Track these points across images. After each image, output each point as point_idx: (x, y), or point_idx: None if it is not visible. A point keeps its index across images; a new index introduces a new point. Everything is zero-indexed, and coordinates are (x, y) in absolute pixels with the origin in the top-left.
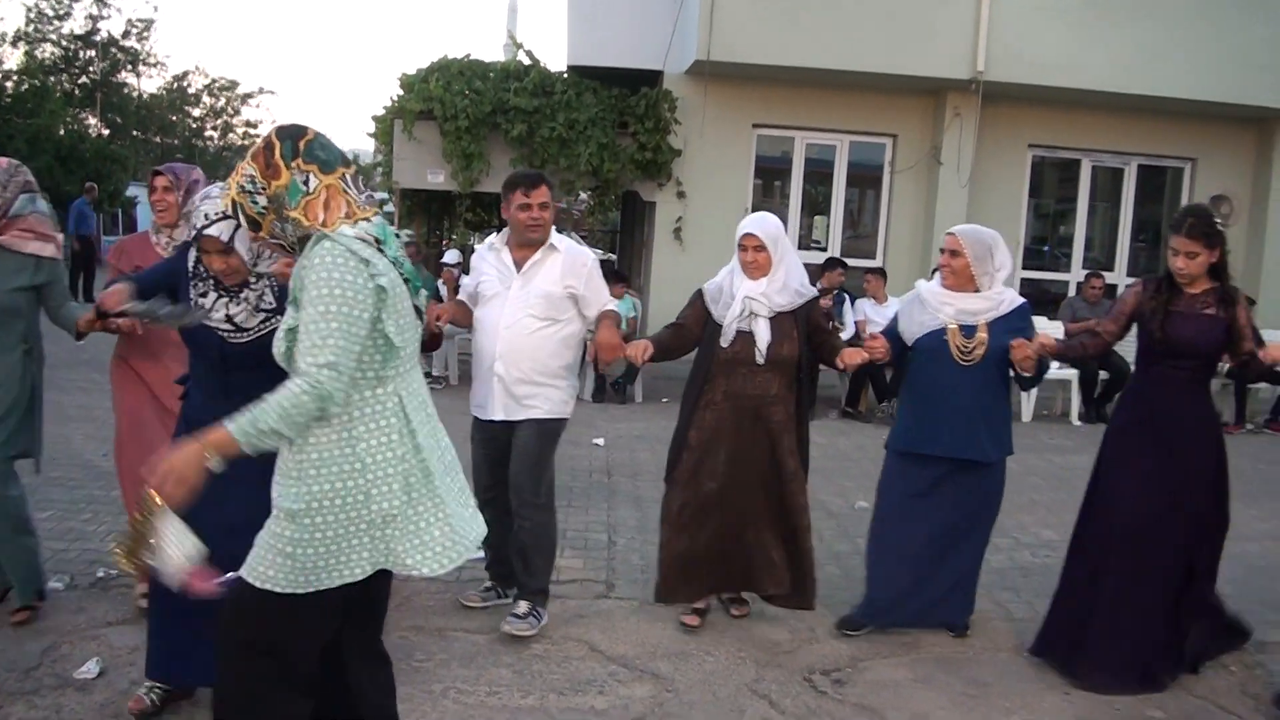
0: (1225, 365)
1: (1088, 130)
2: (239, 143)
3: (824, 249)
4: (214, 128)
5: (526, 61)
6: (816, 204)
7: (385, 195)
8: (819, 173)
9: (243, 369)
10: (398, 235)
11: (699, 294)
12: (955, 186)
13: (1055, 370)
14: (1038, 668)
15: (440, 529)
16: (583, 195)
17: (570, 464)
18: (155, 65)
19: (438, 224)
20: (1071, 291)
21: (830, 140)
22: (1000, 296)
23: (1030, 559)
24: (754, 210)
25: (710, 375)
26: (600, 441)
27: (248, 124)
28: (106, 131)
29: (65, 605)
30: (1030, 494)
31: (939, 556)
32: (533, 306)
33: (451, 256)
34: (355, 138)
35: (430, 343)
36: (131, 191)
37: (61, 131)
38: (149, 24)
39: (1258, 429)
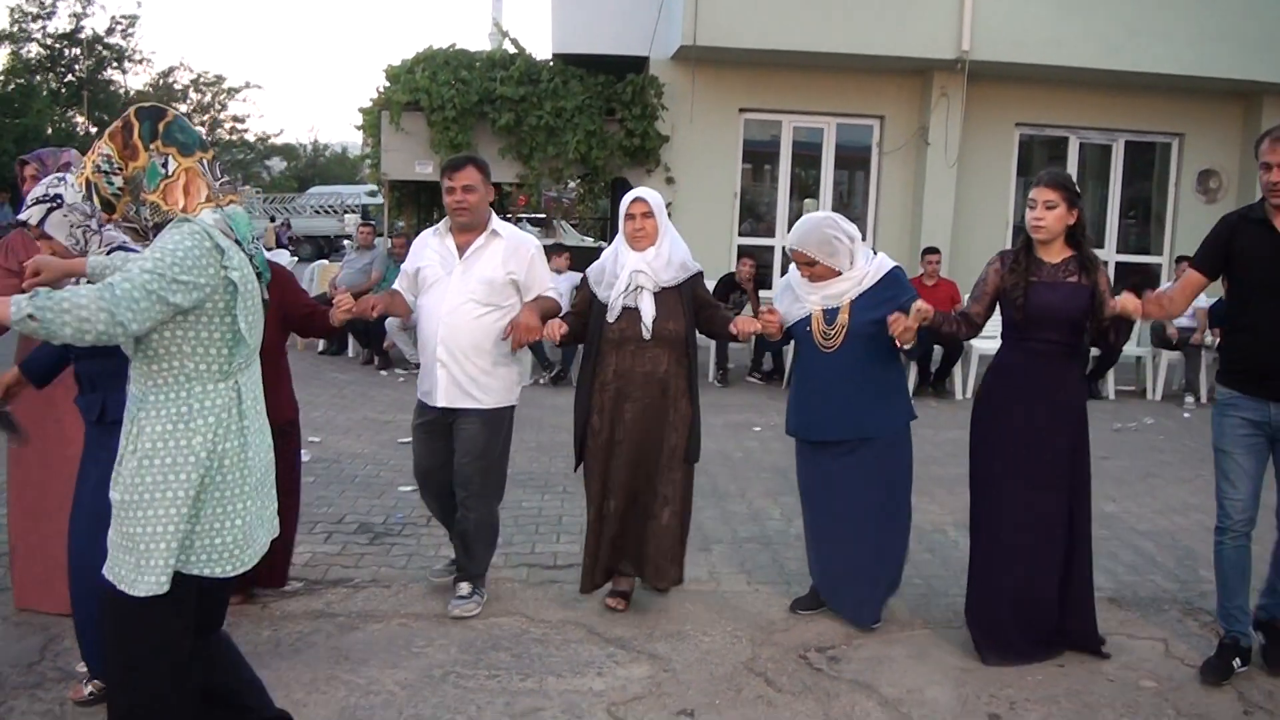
0: (1217, 340)
1: (1074, 108)
2: (226, 138)
3: None
4: (201, 123)
5: (512, 50)
6: (805, 187)
7: (374, 187)
8: (807, 155)
9: (88, 356)
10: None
11: (583, 278)
12: (943, 166)
13: None
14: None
15: (245, 529)
16: (571, 184)
17: (565, 450)
18: (141, 62)
19: (427, 215)
20: None
21: (818, 123)
22: (862, 272)
23: None
24: (742, 195)
25: (601, 354)
26: None
27: (235, 119)
28: (94, 129)
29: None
30: None
31: (875, 541)
32: (474, 292)
33: None
34: (342, 130)
35: (330, 330)
36: None
37: (49, 130)
38: (133, 20)
39: None
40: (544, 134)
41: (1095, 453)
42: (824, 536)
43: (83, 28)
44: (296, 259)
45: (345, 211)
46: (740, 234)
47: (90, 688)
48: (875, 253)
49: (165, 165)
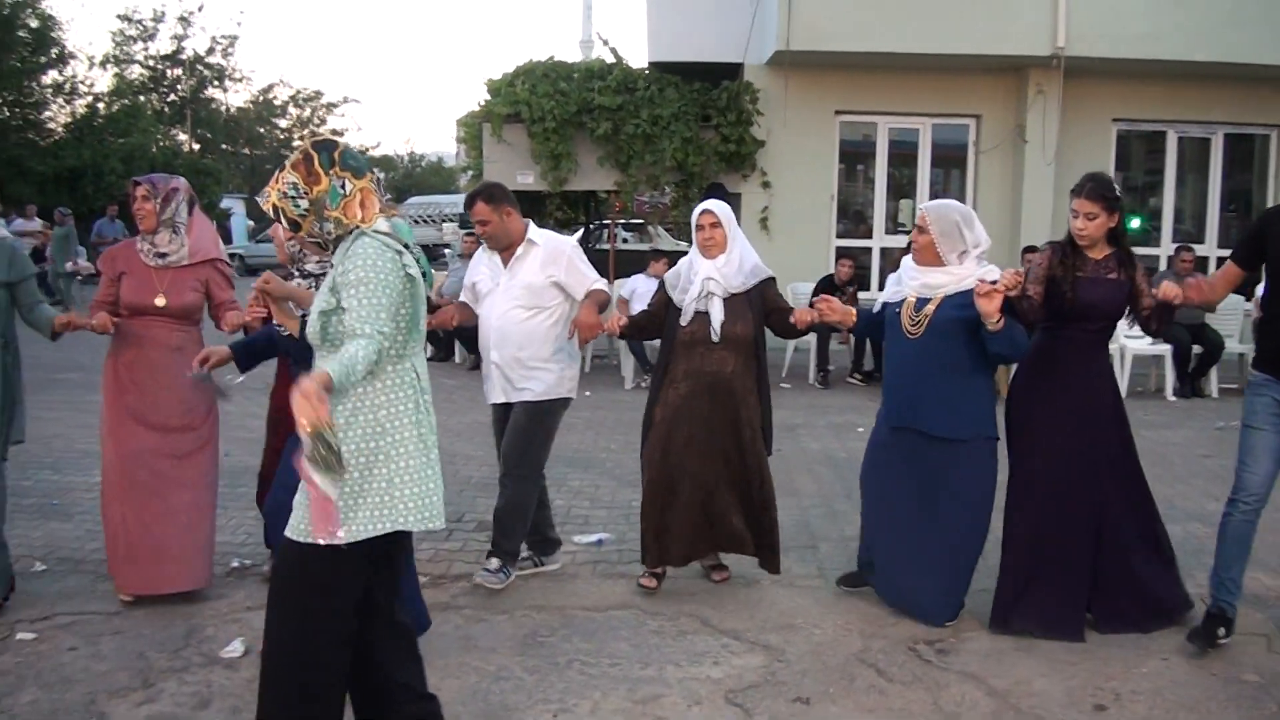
0: None
1: (1171, 101)
2: None
3: (910, 232)
4: (301, 138)
5: (610, 60)
6: (901, 187)
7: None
8: (903, 155)
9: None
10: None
11: (661, 282)
12: (1040, 164)
13: (1149, 346)
14: (1138, 635)
15: (436, 490)
16: (667, 189)
17: None
18: (241, 80)
19: None
20: (1162, 266)
21: (913, 124)
22: (967, 273)
23: None
24: (839, 198)
25: (673, 354)
26: None
27: (334, 133)
28: (197, 146)
29: (206, 591)
30: None
31: (925, 537)
32: (518, 298)
33: None
34: (437, 140)
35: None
36: (225, 204)
37: (155, 149)
38: (233, 40)
39: None
40: (641, 141)
41: (1197, 451)
42: (878, 525)
43: (184, 49)
44: None
45: (443, 221)
46: (838, 236)
47: None
48: (988, 265)
49: (344, 187)
